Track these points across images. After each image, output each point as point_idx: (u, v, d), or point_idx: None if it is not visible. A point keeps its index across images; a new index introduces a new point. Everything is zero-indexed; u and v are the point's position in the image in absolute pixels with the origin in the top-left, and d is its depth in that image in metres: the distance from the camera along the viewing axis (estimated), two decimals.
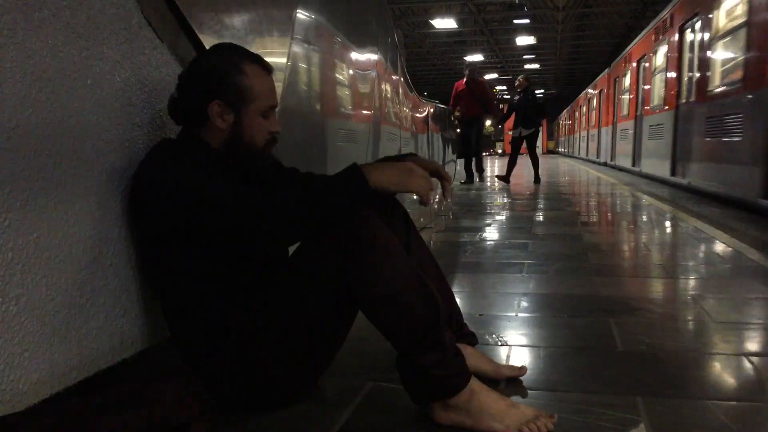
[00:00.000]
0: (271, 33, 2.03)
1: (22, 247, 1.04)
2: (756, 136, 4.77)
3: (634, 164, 10.51)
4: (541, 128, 9.33)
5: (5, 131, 1.00)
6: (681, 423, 1.25)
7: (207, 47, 1.61)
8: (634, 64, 10.99)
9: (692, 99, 6.78)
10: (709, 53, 6.23)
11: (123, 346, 1.31)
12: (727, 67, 5.76)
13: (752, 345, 1.78)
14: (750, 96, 4.93)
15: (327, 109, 2.65)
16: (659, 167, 8.34)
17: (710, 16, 6.20)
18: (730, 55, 5.69)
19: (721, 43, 5.95)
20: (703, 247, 3.45)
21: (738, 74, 5.29)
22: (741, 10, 5.32)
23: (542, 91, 39.70)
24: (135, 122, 1.34)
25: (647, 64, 9.95)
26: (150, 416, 1.13)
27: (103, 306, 1.25)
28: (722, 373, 1.56)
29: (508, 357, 1.67)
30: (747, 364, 1.58)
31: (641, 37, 10.70)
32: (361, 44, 3.08)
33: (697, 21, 6.70)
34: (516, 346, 1.75)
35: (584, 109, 20.24)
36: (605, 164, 14.04)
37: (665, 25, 8.43)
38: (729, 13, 5.77)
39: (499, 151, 35.02)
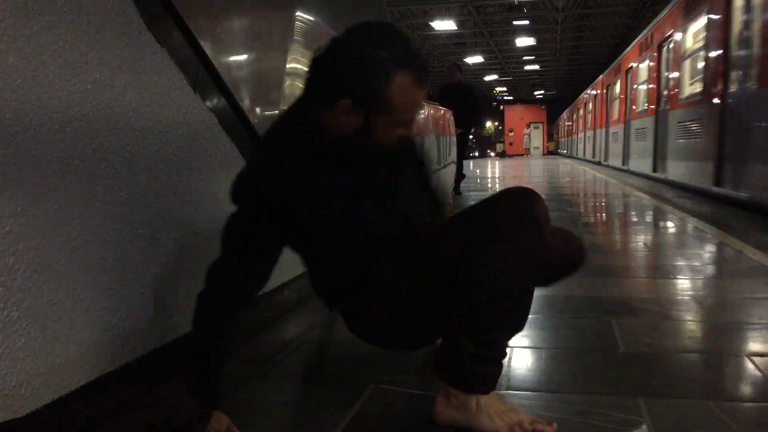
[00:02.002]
0: (271, 35, 2.04)
1: (23, 252, 1.04)
2: (656, 142, 8.87)
3: (605, 159, 14.54)
4: (473, 129, 7.96)
5: (6, 137, 1.00)
6: (683, 424, 1.25)
7: (208, 51, 1.61)
8: (606, 87, 15.40)
9: (629, 117, 11.66)
10: (639, 89, 10.89)
11: (125, 351, 1.32)
12: (644, 98, 10.19)
13: (754, 345, 1.77)
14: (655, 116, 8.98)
15: None
16: (618, 161, 12.71)
17: (639, 68, 10.92)
18: (644, 91, 10.17)
19: (642, 86, 10.52)
20: (704, 247, 3.45)
21: (652, 103, 9.30)
22: (646, 68, 10.07)
23: (542, 92, 39.73)
24: (135, 127, 1.34)
25: (611, 90, 14.45)
26: (151, 420, 1.13)
27: (104, 310, 1.25)
28: (724, 373, 1.56)
29: (510, 358, 1.66)
30: (749, 365, 1.58)
31: (608, 71, 15.36)
32: None
33: (632, 70, 11.64)
34: (517, 348, 1.75)
35: (575, 116, 23.98)
36: (599, 163, 16.47)
37: (619, 68, 13.39)
38: (643, 69, 10.54)
39: (492, 154, 34.62)
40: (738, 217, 4.76)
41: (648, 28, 10.03)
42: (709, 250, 3.36)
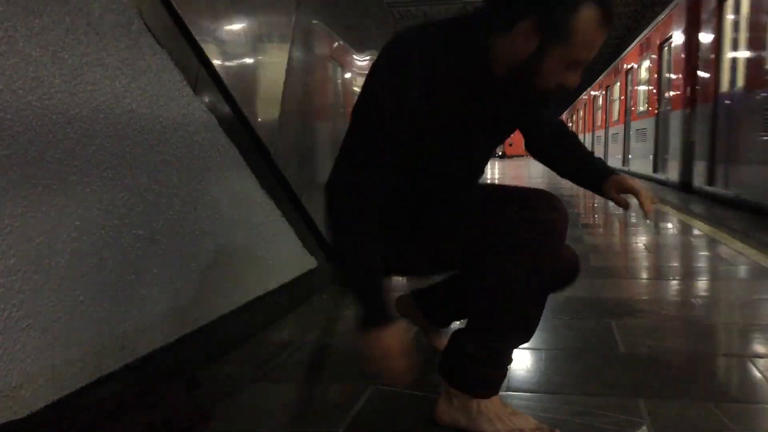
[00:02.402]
0: (271, 37, 2.04)
1: (24, 253, 1.04)
2: (624, 144, 12.08)
3: None
4: None
5: (6, 138, 1.01)
6: (683, 425, 1.25)
7: (208, 52, 1.61)
8: (592, 99, 18.88)
9: (608, 124, 14.85)
10: (614, 103, 13.93)
11: (125, 351, 1.32)
12: (617, 110, 13.41)
13: (754, 346, 1.77)
14: (623, 124, 12.36)
15: (326, 112, 2.66)
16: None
17: (614, 87, 13.92)
18: (617, 107, 13.43)
19: (616, 101, 13.66)
20: (704, 248, 3.45)
21: (622, 114, 12.54)
22: (618, 87, 13.12)
23: None
24: (135, 128, 1.35)
25: (596, 102, 17.91)
26: (151, 420, 1.13)
27: (104, 311, 1.25)
28: (724, 374, 1.56)
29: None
30: (749, 366, 1.58)
31: (593, 85, 18.84)
32: (361, 48, 3.09)
33: (610, 87, 14.65)
34: (517, 349, 1.75)
35: (569, 121, 28.19)
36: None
37: (601, 84, 16.41)
38: (616, 88, 13.55)
39: (498, 152, 34.32)
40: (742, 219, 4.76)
41: (619, 58, 13.58)
42: (707, 252, 3.36)
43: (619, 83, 13.21)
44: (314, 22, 2.42)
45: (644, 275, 2.84)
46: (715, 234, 3.81)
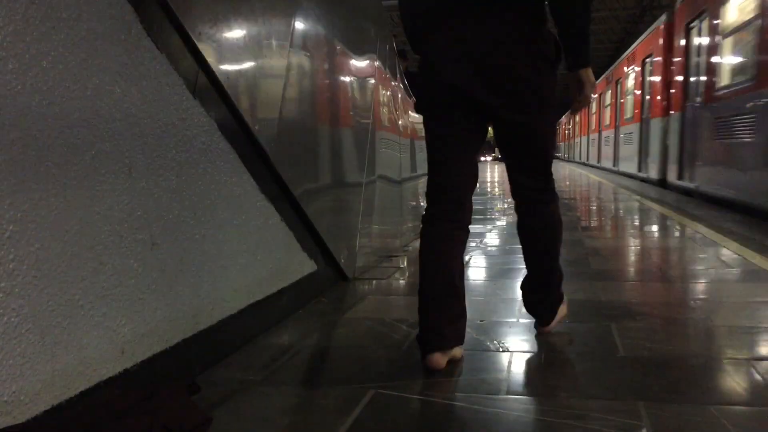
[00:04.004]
0: (270, 41, 2.04)
1: (23, 257, 1.04)
2: (599, 149, 18.42)
3: (580, 158, 24.16)
4: None
5: (6, 143, 1.01)
6: (683, 428, 1.24)
7: (207, 57, 1.62)
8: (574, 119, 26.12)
9: (589, 132, 20.74)
10: (592, 117, 20.64)
11: (125, 356, 1.32)
12: (593, 123, 20.76)
13: (755, 349, 1.77)
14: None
15: (325, 116, 2.66)
16: (584, 159, 21.82)
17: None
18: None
19: (593, 116, 20.28)
20: (704, 251, 3.45)
21: (595, 126, 19.71)
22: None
23: None
24: (135, 132, 1.35)
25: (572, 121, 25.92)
26: (151, 425, 1.13)
27: (104, 316, 1.25)
28: (725, 377, 1.56)
29: (509, 363, 1.66)
30: (750, 369, 1.58)
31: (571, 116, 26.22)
32: (360, 51, 3.09)
33: (575, 119, 24.68)
34: (517, 352, 1.75)
35: (563, 127, 35.45)
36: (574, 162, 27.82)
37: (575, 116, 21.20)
38: (591, 107, 19.81)
39: (489, 158, 33.83)
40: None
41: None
42: (706, 253, 3.36)
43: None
44: (313, 25, 2.43)
45: (644, 277, 2.84)
46: (716, 236, 3.81)
